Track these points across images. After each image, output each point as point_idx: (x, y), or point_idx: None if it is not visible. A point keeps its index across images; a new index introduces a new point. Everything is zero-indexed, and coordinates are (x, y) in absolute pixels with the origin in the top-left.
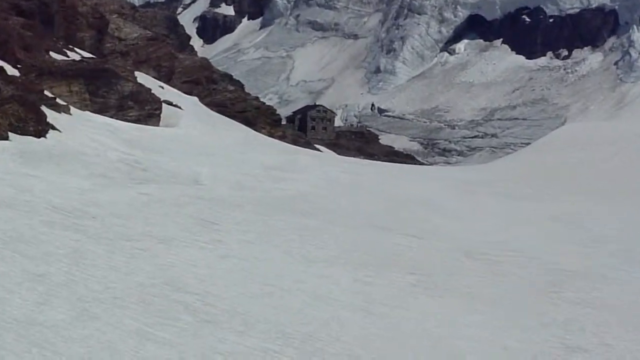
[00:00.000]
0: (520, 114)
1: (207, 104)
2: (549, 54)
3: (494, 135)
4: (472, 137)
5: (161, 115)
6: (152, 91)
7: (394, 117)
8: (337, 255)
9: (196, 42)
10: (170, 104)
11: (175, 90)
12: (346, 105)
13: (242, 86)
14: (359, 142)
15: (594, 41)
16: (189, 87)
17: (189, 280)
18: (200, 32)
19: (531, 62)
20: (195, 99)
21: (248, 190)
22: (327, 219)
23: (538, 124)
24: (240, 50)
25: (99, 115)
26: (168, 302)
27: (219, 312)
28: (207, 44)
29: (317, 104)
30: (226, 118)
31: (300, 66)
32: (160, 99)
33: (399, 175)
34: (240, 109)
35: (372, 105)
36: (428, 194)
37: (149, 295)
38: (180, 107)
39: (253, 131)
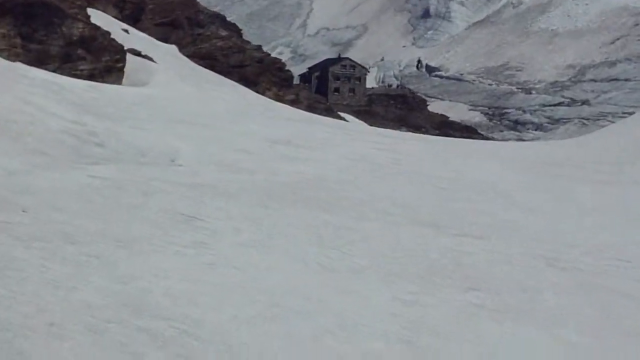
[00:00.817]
0: (622, 72)
1: (190, 55)
2: None
3: (585, 102)
4: (555, 105)
5: (125, 69)
6: (112, 36)
7: (448, 77)
8: (368, 264)
9: None
10: (137, 54)
11: (146, 36)
12: (383, 61)
13: (238, 31)
14: (400, 109)
15: None
16: (164, 31)
17: (158, 299)
18: None
19: (638, 2)
20: (174, 47)
21: (245, 174)
22: (354, 213)
23: None
24: None
25: (35, 69)
26: (128, 331)
27: (200, 345)
28: None
29: (342, 56)
30: (216, 75)
31: (320, 9)
32: (123, 46)
33: (454, 154)
34: (236, 63)
35: (419, 61)
36: (494, 179)
37: (101, 321)
38: (152, 59)
39: (254, 93)
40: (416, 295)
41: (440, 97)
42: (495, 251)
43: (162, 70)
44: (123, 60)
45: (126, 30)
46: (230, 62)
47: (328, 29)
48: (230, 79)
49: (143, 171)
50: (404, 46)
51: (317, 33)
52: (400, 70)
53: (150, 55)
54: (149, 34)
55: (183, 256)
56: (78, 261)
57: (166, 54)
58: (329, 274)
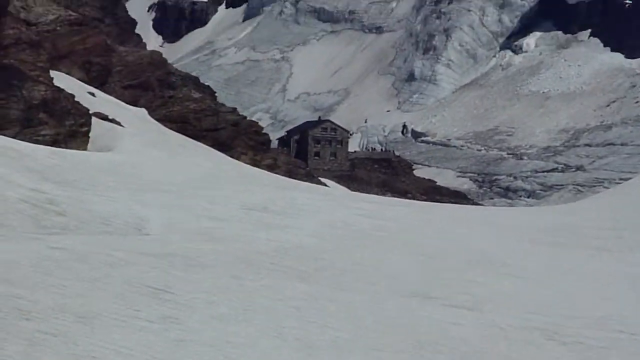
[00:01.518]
0: (618, 136)
1: (160, 119)
2: None
3: (579, 168)
4: (548, 171)
5: (90, 134)
6: (77, 99)
7: (434, 143)
8: (350, 337)
9: (152, 40)
10: (104, 118)
11: (113, 99)
12: (366, 127)
13: (212, 93)
14: (384, 174)
15: None
16: (133, 93)
17: None
18: (158, 26)
19: (634, 63)
20: (143, 111)
21: (219, 243)
22: (336, 283)
23: None
24: (216, 52)
25: None
26: None
27: None
28: (169, 42)
29: (322, 119)
30: (189, 139)
31: (301, 73)
32: (88, 110)
33: (442, 220)
34: (209, 126)
35: (404, 126)
36: (486, 247)
37: None
38: (119, 123)
39: (229, 158)
40: None
41: (426, 163)
42: (488, 324)
43: (130, 135)
44: (88, 124)
45: (92, 93)
46: (203, 126)
47: (309, 94)
48: (204, 143)
49: (107, 241)
50: (388, 111)
51: (297, 98)
52: (385, 136)
53: (117, 119)
54: (117, 97)
55: (149, 332)
56: (33, 339)
57: (135, 117)
58: (308, 349)
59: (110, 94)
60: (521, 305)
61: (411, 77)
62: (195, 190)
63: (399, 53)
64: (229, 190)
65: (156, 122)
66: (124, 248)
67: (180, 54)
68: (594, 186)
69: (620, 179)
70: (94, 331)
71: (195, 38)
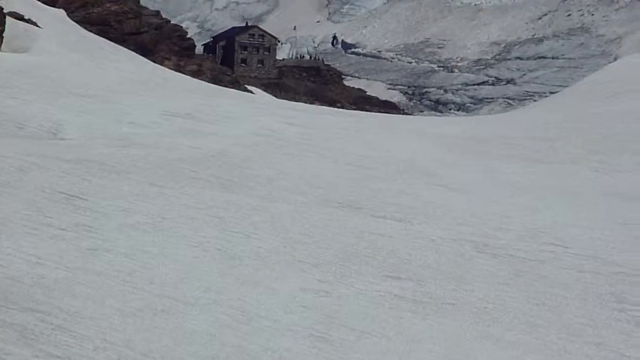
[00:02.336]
0: (549, 50)
1: (79, 21)
2: None
3: (510, 82)
4: (478, 84)
5: (4, 34)
6: None
7: (365, 55)
8: (275, 248)
9: None
10: (19, 18)
11: None
12: (295, 38)
13: None
14: (313, 82)
15: None
16: None
17: (28, 290)
18: None
19: None
20: (62, 12)
21: (138, 149)
22: (260, 192)
23: (575, 64)
24: None
25: None
26: None
27: (77, 343)
28: None
29: (250, 25)
30: (110, 42)
31: None
32: (2, 9)
33: (371, 129)
34: (131, 30)
35: (334, 38)
36: (415, 156)
37: None
38: (36, 24)
39: (152, 63)
40: (329, 285)
41: (356, 75)
42: (417, 235)
43: (47, 37)
44: (2, 24)
45: None
46: (125, 29)
47: (237, 3)
48: (125, 47)
49: (20, 145)
50: (318, 21)
51: (225, 7)
52: (315, 47)
53: (34, 19)
54: None
55: (61, 240)
56: None
57: (53, 18)
58: (230, 261)
59: None
60: (452, 217)
61: None
62: (115, 95)
63: None
64: (151, 96)
65: (75, 24)
66: (37, 152)
67: None
68: (525, 99)
69: (551, 93)
70: (1, 237)
71: None
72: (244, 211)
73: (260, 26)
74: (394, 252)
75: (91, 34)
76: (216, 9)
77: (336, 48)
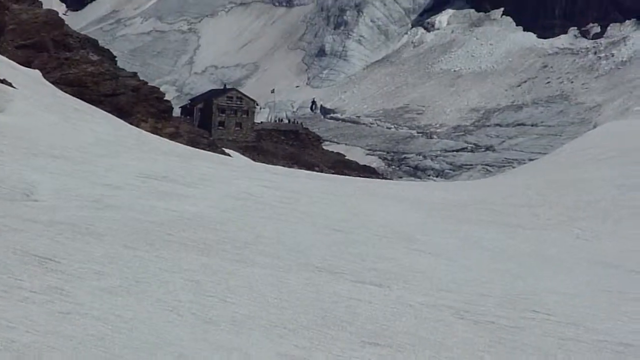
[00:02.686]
0: (529, 117)
1: (55, 82)
2: (572, 30)
3: (489, 148)
4: (457, 150)
5: None
6: None
7: (344, 120)
8: (251, 313)
9: (56, 8)
10: None
11: (5, 59)
12: (274, 103)
13: (112, 57)
14: (292, 146)
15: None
16: (26, 54)
17: None
18: None
19: (545, 43)
20: (37, 73)
21: (112, 211)
22: (237, 255)
23: (555, 131)
24: (121, 21)
25: None
26: None
27: None
28: (72, 10)
29: (228, 87)
30: (86, 104)
31: (208, 45)
32: None
33: (350, 193)
34: (108, 91)
35: (313, 102)
36: (395, 221)
37: None
38: (11, 84)
39: (128, 125)
40: (306, 351)
41: (335, 140)
42: (397, 301)
43: (22, 97)
44: None
45: None
46: (101, 90)
47: (216, 67)
48: (102, 108)
49: None
50: (297, 86)
51: (204, 71)
52: (294, 112)
53: (9, 80)
54: (9, 57)
55: (32, 303)
56: None
57: (28, 79)
58: (205, 325)
59: (2, 54)
60: (431, 283)
61: (321, 53)
62: (90, 157)
63: (310, 27)
64: (127, 158)
65: (51, 85)
66: (9, 214)
67: (84, 22)
68: (504, 166)
69: (530, 160)
70: None
71: (99, 7)
72: (220, 275)
73: (239, 90)
74: (372, 317)
75: (67, 95)
76: (195, 73)
77: (315, 113)
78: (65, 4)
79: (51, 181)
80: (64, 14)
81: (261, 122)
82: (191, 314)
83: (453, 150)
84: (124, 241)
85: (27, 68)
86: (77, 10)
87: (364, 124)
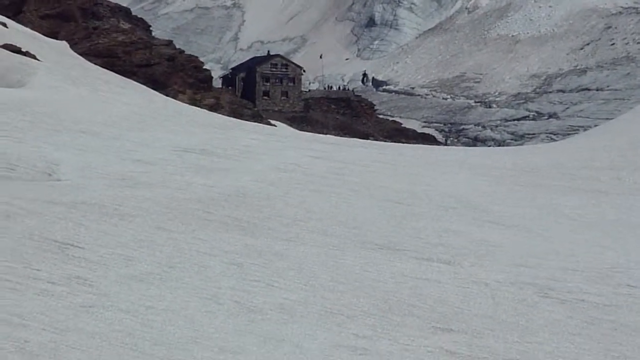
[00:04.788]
0: (593, 81)
1: (84, 53)
2: None
3: (552, 116)
4: (518, 119)
5: None
6: None
7: (397, 92)
8: (302, 298)
9: None
10: (16, 51)
11: (28, 30)
12: (323, 77)
13: (146, 26)
14: (343, 115)
15: None
16: (52, 24)
17: (10, 358)
18: None
19: (608, 2)
20: (64, 44)
21: (144, 189)
22: (285, 234)
23: (622, 95)
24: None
25: None
26: None
27: None
28: None
29: (272, 54)
30: (117, 75)
31: (254, 20)
32: None
33: (410, 162)
34: (141, 61)
35: (364, 75)
36: (462, 191)
37: None
38: (35, 57)
39: (164, 97)
40: (367, 340)
41: (389, 113)
42: (469, 280)
43: (46, 70)
44: None
45: (4, 24)
46: (134, 61)
47: (262, 42)
48: (135, 80)
49: (9, 188)
50: (347, 59)
51: (250, 47)
52: (345, 86)
53: (32, 52)
54: (33, 28)
55: (49, 296)
56: None
57: (53, 51)
58: (250, 314)
59: (25, 24)
60: (508, 258)
61: (371, 23)
62: (121, 131)
63: None
64: (161, 131)
65: (79, 56)
66: (26, 196)
67: (124, 2)
68: (569, 134)
69: (596, 126)
70: None
71: None
72: (265, 257)
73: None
74: (443, 299)
75: (96, 66)
76: (240, 49)
77: (367, 86)
78: None
79: (75, 159)
80: (115, 4)
81: (309, 90)
82: (233, 302)
83: (514, 119)
84: (156, 222)
85: (52, 39)
86: None
87: (418, 95)
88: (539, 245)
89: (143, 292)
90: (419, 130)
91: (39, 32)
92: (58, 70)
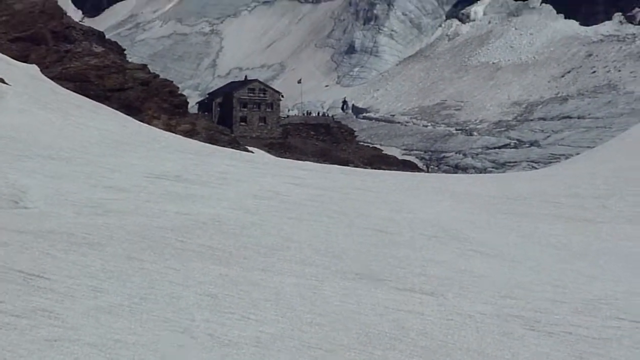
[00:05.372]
0: (574, 109)
1: (55, 77)
2: (617, 16)
3: (534, 144)
4: (499, 147)
5: None
6: None
7: (377, 119)
8: (280, 332)
9: (72, 14)
10: None
11: None
12: (302, 104)
13: (120, 50)
14: (322, 141)
15: None
16: (22, 47)
17: None
18: (79, 0)
19: (589, 30)
20: (34, 67)
21: (115, 216)
22: (261, 264)
23: (604, 123)
24: (140, 25)
25: None
26: None
27: None
28: (89, 16)
29: (249, 79)
30: (89, 100)
31: (232, 47)
32: None
33: (392, 189)
34: (114, 85)
35: (344, 102)
36: (444, 218)
37: None
38: (3, 81)
39: (137, 122)
40: None
41: (369, 141)
42: (453, 311)
43: (14, 94)
44: None
45: None
46: (107, 85)
47: (241, 69)
48: (108, 105)
49: None
50: (326, 85)
51: (228, 73)
52: (324, 113)
53: (1, 76)
54: (2, 51)
55: (12, 330)
56: None
57: (23, 75)
58: (224, 348)
59: None
60: (493, 288)
61: (351, 50)
62: (92, 157)
63: (338, 24)
64: (134, 157)
65: (50, 80)
66: None
67: (101, 28)
68: (550, 162)
69: (577, 154)
70: None
71: (117, 11)
72: (241, 287)
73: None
74: (426, 332)
75: (68, 91)
76: (219, 76)
77: (347, 113)
78: (81, 10)
79: (44, 186)
80: (80, 21)
81: (287, 116)
82: (207, 336)
83: (495, 147)
84: (127, 251)
85: (22, 63)
86: (94, 17)
87: (399, 122)
88: (524, 276)
89: (111, 325)
90: (399, 158)
91: (9, 56)
92: (27, 95)
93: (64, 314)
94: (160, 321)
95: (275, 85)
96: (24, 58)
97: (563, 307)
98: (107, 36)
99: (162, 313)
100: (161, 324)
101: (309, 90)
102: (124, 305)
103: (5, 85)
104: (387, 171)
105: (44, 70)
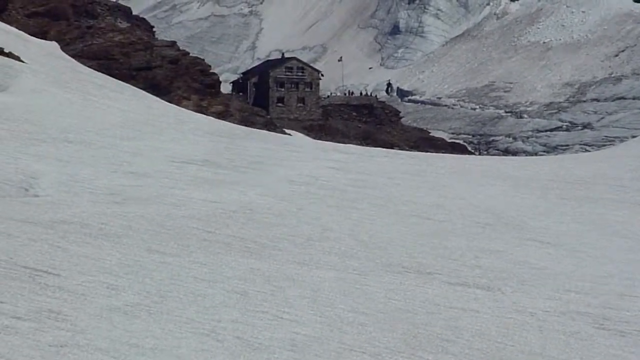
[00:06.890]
0: (629, 89)
1: (76, 55)
2: None
3: (587, 126)
4: (551, 130)
5: None
6: None
7: (423, 102)
8: (317, 333)
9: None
10: None
11: (13, 29)
12: (345, 87)
13: (148, 26)
14: (365, 123)
15: None
16: (40, 23)
17: None
18: None
19: None
20: (54, 44)
21: (136, 204)
22: (297, 256)
23: None
24: (177, 7)
25: None
26: None
27: None
28: None
29: (287, 57)
30: (113, 80)
31: (272, 28)
32: None
33: (439, 173)
34: (140, 64)
35: (389, 85)
36: (500, 206)
37: None
38: (19, 58)
39: (165, 103)
40: None
41: (415, 124)
42: (512, 309)
43: (31, 72)
44: None
45: None
46: (133, 63)
47: (281, 51)
48: (133, 84)
49: None
50: (370, 68)
51: (268, 56)
52: (367, 93)
53: (17, 53)
54: (19, 27)
55: (13, 334)
56: None
57: (41, 52)
58: (254, 353)
59: (10, 23)
60: (555, 282)
61: (395, 30)
62: (113, 140)
63: (381, 3)
64: (159, 140)
65: (70, 58)
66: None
67: (136, 10)
68: (604, 145)
69: (633, 137)
70: None
71: None
72: (274, 283)
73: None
74: (482, 333)
75: (89, 69)
76: (258, 59)
77: (391, 96)
78: None
79: (58, 171)
80: (114, 3)
81: (328, 96)
82: (235, 338)
83: (546, 130)
84: (147, 244)
85: (41, 39)
86: None
87: (445, 105)
88: (589, 267)
89: (127, 328)
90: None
91: (26, 32)
92: (45, 73)
93: (73, 316)
94: (183, 322)
95: (317, 67)
96: (42, 34)
97: (636, 303)
98: (131, 9)
99: (185, 313)
100: (183, 326)
101: (351, 72)
102: (142, 304)
103: (20, 63)
104: (434, 154)
105: (65, 47)
